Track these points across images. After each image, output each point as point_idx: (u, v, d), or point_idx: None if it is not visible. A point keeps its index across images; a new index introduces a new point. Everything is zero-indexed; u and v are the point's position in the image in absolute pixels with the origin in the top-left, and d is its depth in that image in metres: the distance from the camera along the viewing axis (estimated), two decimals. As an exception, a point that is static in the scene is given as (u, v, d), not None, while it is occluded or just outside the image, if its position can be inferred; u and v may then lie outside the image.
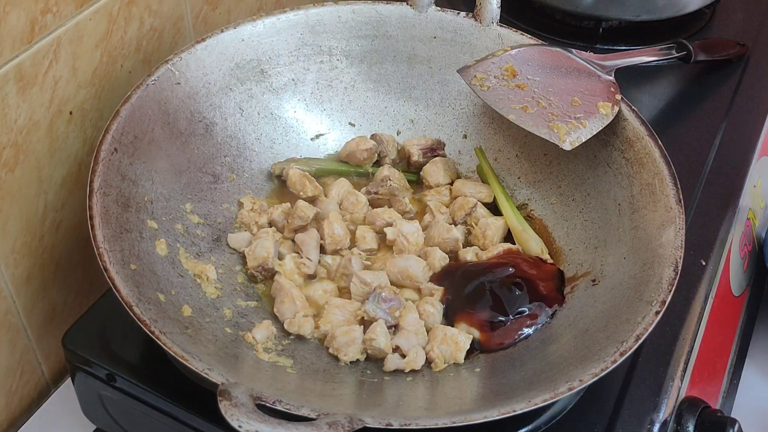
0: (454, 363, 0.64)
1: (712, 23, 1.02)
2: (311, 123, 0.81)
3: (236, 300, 0.67)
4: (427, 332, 0.66)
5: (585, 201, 0.74)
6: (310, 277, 0.70)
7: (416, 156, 0.79)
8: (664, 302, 0.59)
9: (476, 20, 0.80)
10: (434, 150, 0.80)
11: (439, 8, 0.81)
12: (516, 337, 0.66)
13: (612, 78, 0.76)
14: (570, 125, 0.71)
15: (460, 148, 0.82)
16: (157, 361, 0.63)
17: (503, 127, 0.80)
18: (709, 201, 0.80)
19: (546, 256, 0.72)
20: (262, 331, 0.64)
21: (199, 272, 0.66)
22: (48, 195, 0.71)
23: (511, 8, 0.91)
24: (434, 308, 0.67)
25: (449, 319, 0.67)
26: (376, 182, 0.76)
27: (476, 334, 0.66)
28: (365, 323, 0.66)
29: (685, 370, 0.68)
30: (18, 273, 0.70)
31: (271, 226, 0.73)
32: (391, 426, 0.52)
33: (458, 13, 0.81)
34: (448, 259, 0.72)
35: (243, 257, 0.70)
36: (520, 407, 0.53)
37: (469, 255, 0.72)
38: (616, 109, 0.72)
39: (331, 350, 0.64)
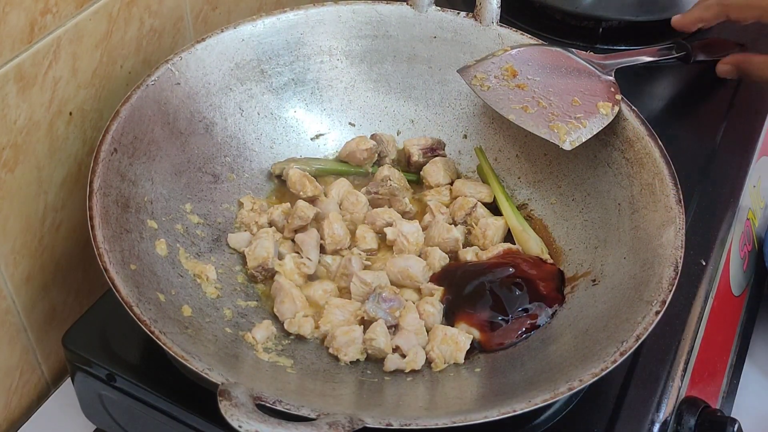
0: (454, 363, 0.64)
1: (712, 23, 1.02)
2: (311, 123, 0.81)
3: (236, 300, 0.67)
4: (427, 332, 0.66)
5: (585, 201, 0.74)
6: (310, 277, 0.70)
7: (416, 156, 0.79)
8: (664, 302, 0.59)
9: (476, 20, 0.80)
10: (434, 150, 0.80)
11: (439, 8, 0.81)
12: (516, 337, 0.66)
13: (612, 78, 0.76)
14: (570, 125, 0.71)
15: (460, 148, 0.82)
16: (157, 361, 0.63)
17: (503, 127, 0.80)
18: (709, 201, 0.79)
19: (546, 256, 0.72)
20: (262, 331, 0.64)
21: (199, 272, 0.66)
22: (48, 195, 0.71)
23: (511, 8, 0.91)
24: (434, 308, 0.67)
25: (449, 319, 0.67)
26: (376, 182, 0.76)
27: (476, 334, 0.66)
28: (365, 323, 0.66)
29: (685, 370, 0.68)
30: (18, 273, 0.70)
31: (271, 226, 0.72)
32: (391, 426, 0.51)
33: (458, 13, 0.80)
34: (448, 259, 0.72)
35: (243, 257, 0.70)
36: (520, 407, 0.53)
37: (469, 255, 0.72)
38: (616, 109, 0.72)
39: (331, 350, 0.64)
